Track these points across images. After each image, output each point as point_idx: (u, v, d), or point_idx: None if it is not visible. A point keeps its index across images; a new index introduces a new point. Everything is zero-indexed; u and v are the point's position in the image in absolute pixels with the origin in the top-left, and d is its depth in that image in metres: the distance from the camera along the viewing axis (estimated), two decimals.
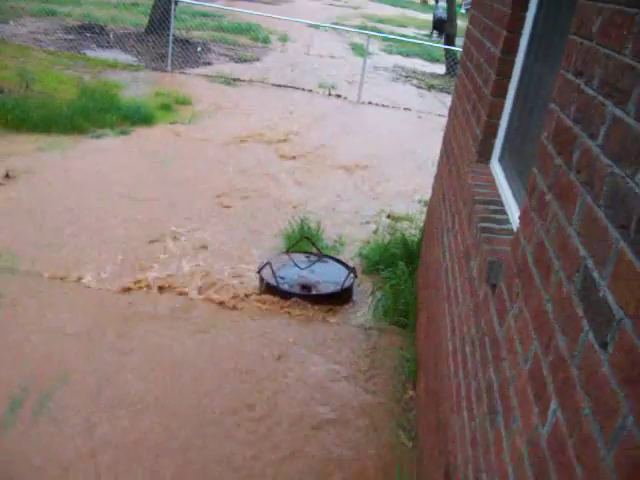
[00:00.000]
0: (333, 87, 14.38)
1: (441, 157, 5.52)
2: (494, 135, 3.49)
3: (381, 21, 29.39)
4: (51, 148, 8.15)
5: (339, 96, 13.88)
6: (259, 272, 5.31)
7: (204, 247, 5.94)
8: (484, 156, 3.55)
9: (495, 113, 3.44)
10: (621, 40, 1.45)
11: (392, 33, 22.84)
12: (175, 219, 6.46)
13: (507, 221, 2.78)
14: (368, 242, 6.37)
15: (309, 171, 8.62)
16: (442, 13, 25.03)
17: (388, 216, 7.32)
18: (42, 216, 6.15)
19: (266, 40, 19.84)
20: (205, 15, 21.19)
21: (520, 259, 1.98)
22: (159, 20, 16.24)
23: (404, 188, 8.38)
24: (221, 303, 5.03)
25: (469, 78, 4.39)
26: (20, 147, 8.02)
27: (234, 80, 13.86)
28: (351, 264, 5.68)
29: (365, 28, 23.17)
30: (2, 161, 7.37)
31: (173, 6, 14.38)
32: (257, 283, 5.34)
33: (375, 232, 6.72)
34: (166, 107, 10.77)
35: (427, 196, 6.31)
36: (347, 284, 5.26)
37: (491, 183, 3.28)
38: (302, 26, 21.70)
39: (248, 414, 3.83)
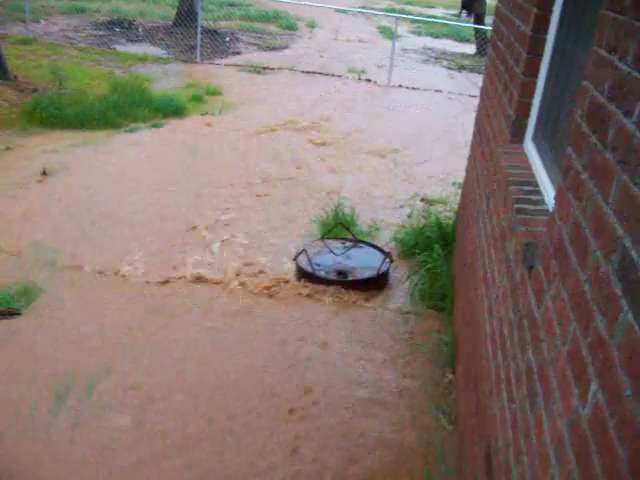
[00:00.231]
0: (363, 72, 14.30)
1: (474, 138, 5.47)
2: (527, 115, 3.45)
3: (409, 3, 29.07)
4: (85, 144, 8.27)
5: (369, 80, 13.81)
6: (295, 259, 5.33)
7: (239, 236, 5.98)
8: (517, 136, 3.51)
9: (527, 92, 3.40)
10: None
11: (420, 14, 22.65)
12: (210, 209, 6.51)
13: (542, 202, 2.75)
14: (403, 226, 6.34)
15: (341, 157, 8.61)
16: None
17: (422, 199, 7.28)
18: (79, 211, 6.25)
19: (294, 27, 19.79)
20: (232, 5, 21.23)
21: (556, 240, 1.96)
22: (187, 12, 16.32)
23: (437, 171, 8.33)
24: (258, 291, 5.06)
25: (500, 57, 4.34)
26: (55, 144, 8.16)
27: (263, 69, 13.87)
28: (386, 249, 5.67)
29: (393, 11, 22.99)
30: (39, 158, 7.51)
31: None
32: (293, 271, 5.37)
33: (410, 216, 6.69)
34: (197, 98, 10.83)
35: (461, 178, 6.27)
36: (383, 269, 5.26)
37: (525, 164, 3.24)
38: (330, 11, 21.57)
39: (290, 397, 3.87)
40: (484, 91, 5.16)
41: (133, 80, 11.12)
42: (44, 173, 7.07)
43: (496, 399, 2.52)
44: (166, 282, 5.12)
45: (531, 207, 2.68)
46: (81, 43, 14.64)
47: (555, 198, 2.11)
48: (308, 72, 14.08)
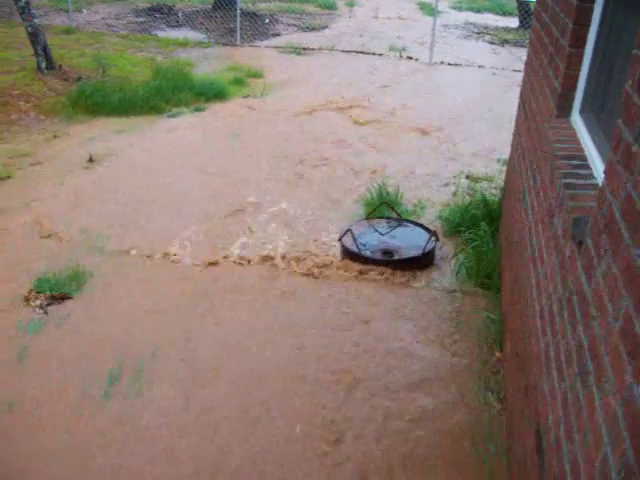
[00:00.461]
0: (404, 49, 14.15)
1: (519, 114, 5.37)
2: (574, 88, 3.37)
3: None
4: (130, 130, 8.38)
5: (410, 58, 13.66)
6: (340, 240, 5.33)
7: (284, 217, 6.00)
8: (564, 110, 3.43)
9: (574, 64, 3.32)
10: None
11: None
12: (254, 191, 6.54)
13: (591, 176, 2.69)
14: (448, 204, 6.29)
15: (384, 135, 8.55)
16: None
17: (467, 177, 7.20)
18: (126, 196, 6.35)
19: (333, 6, 19.66)
20: None
21: (607, 214, 1.91)
22: None
23: (482, 148, 8.21)
24: (305, 272, 5.09)
25: (545, 29, 4.24)
26: (100, 131, 8.29)
27: (304, 49, 13.83)
28: (432, 227, 5.63)
29: None
30: (85, 145, 7.65)
31: None
32: (339, 251, 5.37)
33: (454, 194, 6.63)
34: (238, 81, 10.86)
35: (506, 155, 6.17)
36: (429, 248, 5.22)
37: (572, 137, 3.17)
38: None
39: (340, 376, 3.88)
40: (528, 65, 5.06)
41: (175, 65, 11.20)
42: (91, 160, 7.20)
43: (546, 377, 2.49)
44: (213, 264, 5.17)
45: (579, 182, 2.63)
46: (122, 30, 14.79)
47: (605, 172, 2.06)
48: (349, 52, 13.99)
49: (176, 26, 15.72)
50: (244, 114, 9.30)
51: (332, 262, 5.23)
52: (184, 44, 13.70)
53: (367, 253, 5.22)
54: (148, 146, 7.82)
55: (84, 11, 16.62)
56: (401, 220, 5.76)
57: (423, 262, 5.22)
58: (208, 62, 12.32)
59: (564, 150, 2.99)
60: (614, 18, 2.95)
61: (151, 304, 4.62)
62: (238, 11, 14.26)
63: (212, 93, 9.95)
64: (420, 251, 5.19)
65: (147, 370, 3.92)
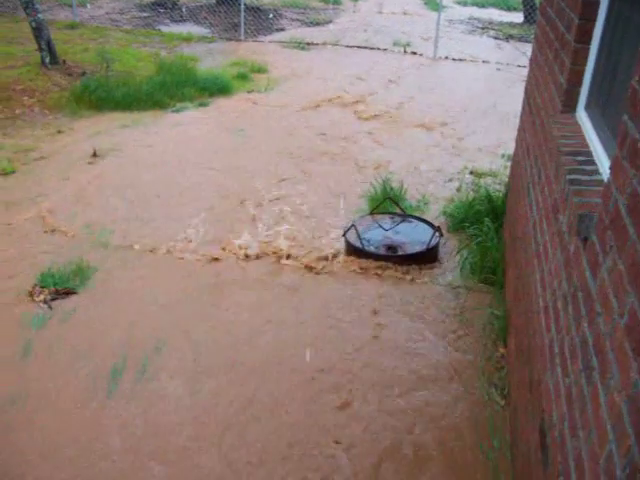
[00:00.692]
0: (408, 45, 14.12)
1: (523, 109, 5.36)
2: (579, 83, 3.35)
3: None
4: (134, 125, 8.38)
5: (414, 53, 13.63)
6: (344, 235, 5.33)
7: (288, 212, 6.00)
8: (569, 105, 3.42)
9: (580, 60, 3.30)
10: None
11: None
12: (258, 186, 6.54)
13: (596, 172, 2.68)
14: (452, 200, 6.28)
15: (388, 131, 8.54)
16: None
17: (471, 172, 7.18)
18: (130, 191, 6.35)
19: (337, 1, 19.64)
20: None
21: (612, 210, 1.91)
22: None
23: (486, 143, 8.20)
24: (308, 267, 5.09)
25: (550, 25, 4.22)
26: (104, 126, 8.30)
27: (308, 44, 13.82)
28: (436, 223, 5.62)
29: None
30: (89, 140, 7.65)
31: None
32: (343, 246, 5.36)
33: (459, 189, 6.62)
34: (242, 76, 10.86)
35: (510, 150, 6.16)
36: (433, 243, 5.22)
37: (578, 133, 3.16)
38: None
39: (343, 371, 3.89)
40: (533, 60, 5.04)
41: (179, 60, 11.21)
42: (95, 155, 7.21)
43: (550, 373, 2.49)
44: (217, 259, 5.18)
45: (585, 177, 2.62)
46: (126, 25, 14.79)
47: (610, 168, 2.05)
48: (353, 47, 13.97)
49: (180, 21, 15.71)
50: (248, 109, 9.29)
51: (336, 257, 5.23)
52: (188, 39, 13.69)
53: (371, 249, 5.22)
54: (152, 141, 7.82)
55: (88, 6, 16.62)
56: (405, 215, 5.75)
57: (427, 258, 5.21)
58: (212, 57, 12.31)
59: (569, 146, 2.98)
60: (620, 13, 2.94)
61: (155, 299, 4.63)
62: (242, 6, 14.24)
63: (216, 88, 9.95)
64: (424, 247, 5.18)
65: (151, 364, 3.92)
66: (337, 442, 3.39)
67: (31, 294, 4.60)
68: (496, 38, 15.96)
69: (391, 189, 6.20)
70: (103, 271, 4.95)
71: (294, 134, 8.25)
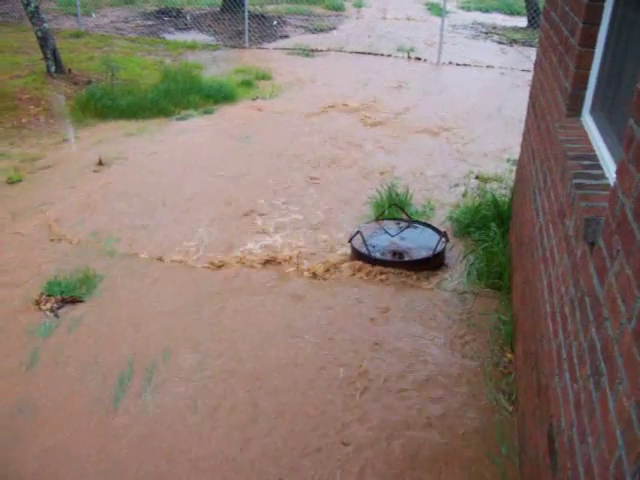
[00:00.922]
0: (412, 50, 14.13)
1: (528, 114, 5.35)
2: (584, 87, 3.35)
3: None
4: (139, 133, 8.41)
5: (419, 59, 13.65)
6: (350, 241, 5.32)
7: (294, 219, 6.00)
8: (574, 110, 3.41)
9: (584, 64, 3.30)
10: None
11: None
12: (263, 193, 6.55)
13: (603, 176, 2.67)
14: (458, 205, 6.27)
15: (394, 136, 8.54)
16: None
17: (477, 177, 7.17)
18: (135, 199, 6.36)
19: (340, 7, 19.68)
20: None
21: (619, 214, 1.90)
22: None
23: (491, 148, 8.19)
24: (314, 273, 5.08)
25: (554, 28, 4.22)
26: (110, 134, 8.32)
27: (312, 51, 13.84)
28: (442, 228, 5.61)
29: None
30: (95, 148, 7.68)
31: None
32: (349, 252, 5.36)
33: (464, 195, 6.61)
34: (247, 83, 10.88)
35: (516, 155, 6.15)
36: (439, 249, 5.21)
37: (583, 137, 3.16)
38: None
39: (350, 378, 3.88)
40: (538, 65, 5.04)
41: (183, 68, 11.24)
42: (100, 163, 7.23)
43: (558, 379, 2.48)
44: (223, 266, 5.18)
45: (591, 182, 2.61)
46: (131, 34, 14.85)
47: (617, 172, 2.04)
48: (357, 53, 13.99)
49: (184, 29, 15.77)
50: (253, 116, 9.31)
51: (342, 264, 5.23)
52: (192, 47, 13.74)
53: (377, 254, 5.21)
54: (157, 149, 7.84)
55: (93, 15, 16.70)
56: (411, 221, 5.75)
57: (433, 263, 5.21)
58: (217, 64, 12.35)
59: (575, 150, 2.97)
60: (625, 17, 2.93)
61: (161, 307, 4.63)
62: (246, 13, 14.29)
63: (221, 95, 9.97)
64: (430, 252, 5.17)
65: (158, 373, 3.92)
66: (345, 444, 3.39)
67: (38, 302, 4.60)
68: (500, 43, 15.97)
69: (397, 195, 6.20)
70: (109, 279, 4.96)
71: (299, 140, 8.26)
